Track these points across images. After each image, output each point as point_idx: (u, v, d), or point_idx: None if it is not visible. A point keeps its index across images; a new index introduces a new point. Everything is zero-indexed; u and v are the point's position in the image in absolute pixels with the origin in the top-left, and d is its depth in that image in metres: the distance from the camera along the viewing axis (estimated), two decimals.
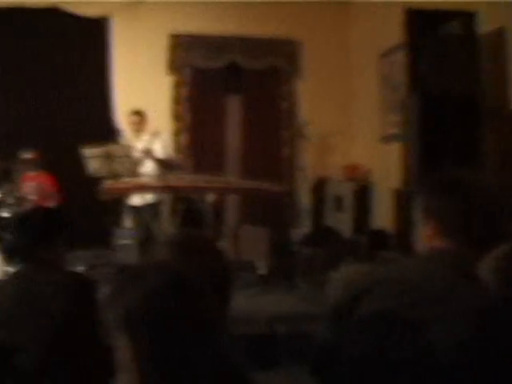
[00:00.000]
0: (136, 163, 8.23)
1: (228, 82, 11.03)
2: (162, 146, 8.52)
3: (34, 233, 3.70)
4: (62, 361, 3.41)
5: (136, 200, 8.53)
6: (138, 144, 8.57)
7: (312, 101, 11.01)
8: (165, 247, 2.60)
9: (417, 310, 2.08)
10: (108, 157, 7.97)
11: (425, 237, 2.35)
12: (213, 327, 1.72)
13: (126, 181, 8.13)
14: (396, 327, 2.09)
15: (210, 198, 9.76)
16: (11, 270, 8.12)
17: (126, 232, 9.35)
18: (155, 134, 8.32)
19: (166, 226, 8.13)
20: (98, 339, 3.81)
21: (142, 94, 10.11)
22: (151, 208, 8.28)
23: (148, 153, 8.23)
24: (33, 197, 9.26)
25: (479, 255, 2.22)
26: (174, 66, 10.81)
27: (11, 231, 3.83)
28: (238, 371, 1.82)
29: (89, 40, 10.91)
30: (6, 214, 8.95)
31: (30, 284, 3.56)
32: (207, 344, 1.68)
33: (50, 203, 9.31)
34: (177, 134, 10.65)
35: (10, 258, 3.93)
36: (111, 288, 1.78)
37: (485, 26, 7.26)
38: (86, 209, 10.14)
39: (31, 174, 9.60)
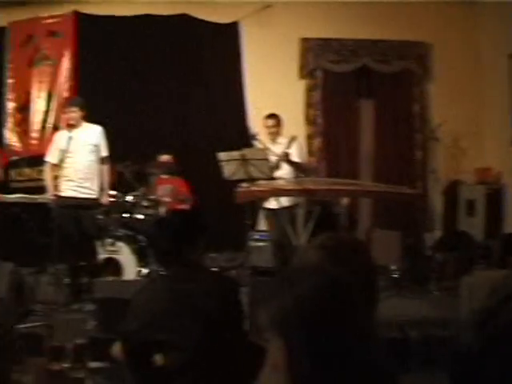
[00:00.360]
0: (272, 167, 8.28)
1: (360, 86, 10.99)
2: (297, 150, 8.54)
3: (181, 235, 3.83)
4: (209, 359, 3.54)
5: (272, 203, 8.59)
6: (274, 148, 8.59)
7: (443, 103, 10.85)
8: (314, 250, 2.64)
9: None
10: (244, 160, 8.06)
11: None
12: (366, 330, 1.76)
13: (262, 184, 8.20)
14: None
15: (344, 201, 9.78)
16: (143, 270, 8.41)
17: (261, 234, 9.45)
18: (292, 139, 8.35)
19: (301, 230, 8.15)
20: (243, 338, 3.95)
21: (274, 99, 10.20)
22: (287, 211, 8.31)
23: (286, 157, 8.27)
24: (167, 199, 9.48)
25: None
26: (306, 70, 10.86)
27: (153, 234, 3.98)
28: (388, 374, 1.85)
29: (221, 46, 11.12)
30: (140, 216, 9.22)
31: (180, 285, 3.70)
32: (361, 347, 1.72)
33: (184, 206, 9.53)
34: (310, 137, 10.68)
35: (158, 260, 4.09)
36: (266, 289, 1.85)
37: None
38: (221, 212, 10.33)
39: (166, 177, 9.85)
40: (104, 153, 8.42)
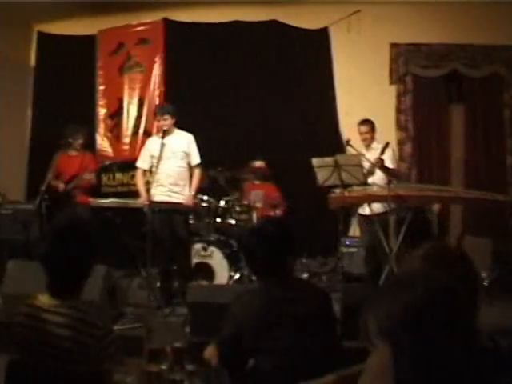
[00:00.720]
0: (366, 173, 8.24)
1: (449, 91, 10.85)
2: (391, 156, 8.47)
3: (277, 246, 3.84)
4: (304, 364, 3.56)
5: (365, 209, 8.56)
6: (368, 153, 8.54)
7: None
8: (419, 259, 2.63)
9: None
10: (337, 166, 8.04)
11: None
12: (469, 338, 1.75)
13: (355, 190, 8.17)
14: None
15: (435, 207, 9.68)
16: (235, 275, 8.45)
17: (352, 240, 9.41)
18: (386, 145, 8.29)
19: (393, 236, 8.09)
20: (337, 344, 3.98)
21: (365, 104, 10.20)
22: (379, 217, 8.25)
23: (380, 163, 8.21)
24: (259, 205, 9.52)
25: None
26: (396, 76, 10.78)
27: (248, 244, 4.00)
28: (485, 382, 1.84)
29: (311, 52, 11.14)
30: (233, 221, 9.28)
31: (277, 293, 3.75)
32: (464, 354, 1.71)
33: (276, 212, 9.56)
34: (400, 143, 10.58)
35: (252, 270, 4.13)
36: (375, 294, 1.85)
37: None
38: (312, 217, 10.33)
39: (258, 182, 9.89)
40: (194, 160, 8.48)
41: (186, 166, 8.44)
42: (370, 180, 8.38)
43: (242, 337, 3.64)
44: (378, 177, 8.36)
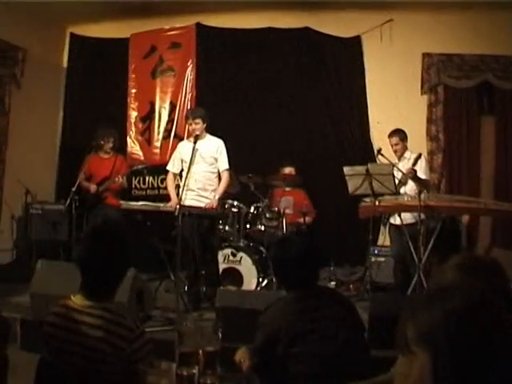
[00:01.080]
0: (398, 183, 8.21)
1: (481, 102, 10.80)
2: (423, 167, 8.42)
3: (307, 260, 3.94)
4: (334, 371, 3.59)
5: (396, 219, 8.51)
6: (401, 163, 8.54)
7: None
8: (452, 269, 2.64)
9: None
10: (368, 175, 8.04)
11: None
12: (508, 348, 1.76)
13: (385, 200, 8.15)
14: None
15: (464, 218, 9.64)
16: (262, 281, 8.45)
17: (381, 250, 9.38)
18: (418, 156, 8.25)
19: (422, 246, 8.05)
20: (366, 351, 4.01)
21: (396, 114, 10.24)
22: (409, 228, 8.21)
23: (412, 174, 8.16)
24: (289, 211, 9.53)
25: None
26: (428, 86, 10.74)
27: (278, 256, 4.05)
28: None
29: (343, 60, 11.16)
30: (262, 228, 9.29)
31: (306, 303, 3.83)
32: (502, 364, 1.72)
33: (305, 219, 9.55)
34: (431, 153, 10.53)
35: (281, 281, 4.17)
36: (411, 304, 1.87)
37: None
38: (341, 225, 10.33)
39: (288, 189, 9.90)
40: (223, 165, 8.48)
41: (214, 171, 8.46)
42: (401, 190, 8.36)
43: (275, 344, 3.67)
44: (410, 187, 8.33)
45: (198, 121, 8.37)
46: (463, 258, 2.74)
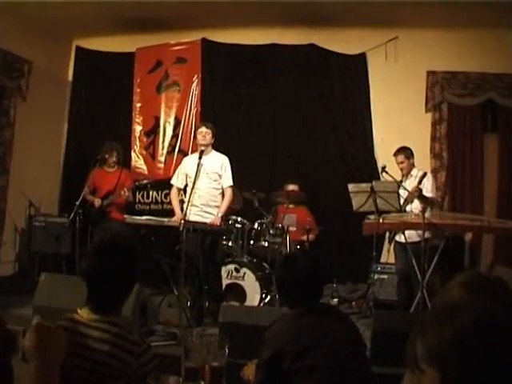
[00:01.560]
0: (403, 200, 8.21)
1: (484, 120, 10.82)
2: (429, 185, 8.41)
3: (310, 280, 4.00)
4: None
5: (400, 236, 8.49)
6: (408, 181, 8.54)
7: None
8: (458, 287, 2.64)
9: None
10: (372, 192, 8.05)
11: None
12: None
13: (389, 217, 8.14)
14: None
15: (467, 236, 9.64)
16: (265, 297, 8.45)
17: (383, 267, 9.36)
18: (424, 174, 8.24)
19: (426, 264, 8.03)
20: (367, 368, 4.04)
21: (400, 131, 10.23)
22: (414, 246, 8.18)
23: (418, 192, 8.15)
24: (292, 228, 9.53)
25: None
26: (432, 104, 10.77)
27: (283, 276, 4.09)
28: None
29: (348, 77, 11.19)
30: (266, 244, 9.30)
31: (309, 320, 3.86)
32: None
33: (309, 236, 9.55)
34: (435, 171, 10.49)
35: (284, 300, 4.21)
36: (419, 320, 1.88)
37: None
38: (344, 242, 10.33)
39: (291, 206, 9.89)
40: (226, 182, 8.48)
41: (218, 187, 8.46)
42: (407, 208, 8.36)
43: (281, 359, 3.69)
44: (416, 205, 8.32)
45: (209, 130, 8.38)
46: (468, 276, 2.74)
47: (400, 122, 10.56)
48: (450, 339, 1.75)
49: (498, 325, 1.80)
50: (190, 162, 8.60)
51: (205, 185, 8.34)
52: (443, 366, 1.73)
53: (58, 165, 12.16)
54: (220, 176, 8.43)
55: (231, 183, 8.47)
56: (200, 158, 8.27)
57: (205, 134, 8.41)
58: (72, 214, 8.98)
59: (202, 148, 8.36)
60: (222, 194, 8.50)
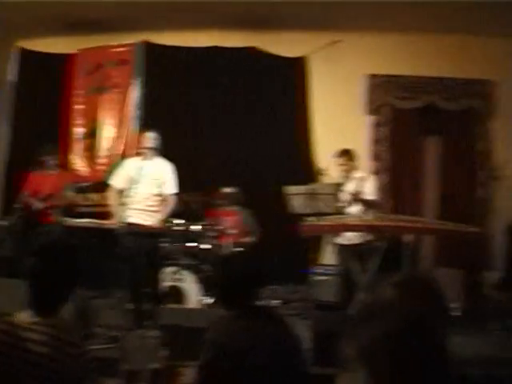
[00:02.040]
0: (344, 202, 8.27)
1: (426, 123, 10.93)
2: (370, 187, 8.47)
3: (249, 280, 4.04)
4: None
5: (341, 239, 8.57)
6: (350, 183, 8.58)
7: (508, 141, 10.76)
8: (390, 287, 2.69)
9: None
10: (312, 195, 8.08)
11: None
12: (446, 364, 1.80)
13: (330, 219, 8.13)
14: None
15: (408, 238, 9.74)
16: (205, 299, 8.46)
17: (325, 269, 9.41)
18: (365, 177, 8.29)
19: (366, 266, 8.09)
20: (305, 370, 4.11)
21: (341, 134, 10.23)
22: (354, 247, 8.25)
23: (357, 196, 8.20)
24: (231, 231, 9.54)
25: None
26: (373, 106, 10.88)
27: (221, 276, 4.12)
28: None
29: (289, 80, 11.20)
30: (206, 246, 9.29)
31: (247, 322, 3.89)
32: (441, 380, 1.76)
33: (248, 239, 9.57)
34: (375, 173, 10.46)
35: (222, 300, 4.22)
36: (351, 321, 1.91)
37: None
38: (284, 244, 10.33)
39: (229, 209, 9.89)
40: (169, 189, 8.44)
41: (159, 192, 8.39)
42: (349, 210, 8.41)
43: (221, 360, 3.71)
44: (358, 207, 8.38)
45: (154, 135, 8.35)
46: (401, 276, 2.79)
47: (341, 125, 10.57)
48: (379, 340, 1.77)
49: (427, 327, 1.84)
50: (131, 164, 8.51)
51: (146, 189, 8.27)
52: (374, 364, 1.76)
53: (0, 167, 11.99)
54: (162, 182, 8.38)
55: (175, 191, 8.44)
56: (143, 162, 8.23)
57: (149, 139, 8.37)
58: (14, 218, 8.88)
59: (145, 152, 8.32)
60: (164, 199, 8.46)
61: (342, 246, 8.61)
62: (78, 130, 11.56)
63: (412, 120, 10.95)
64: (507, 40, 10.57)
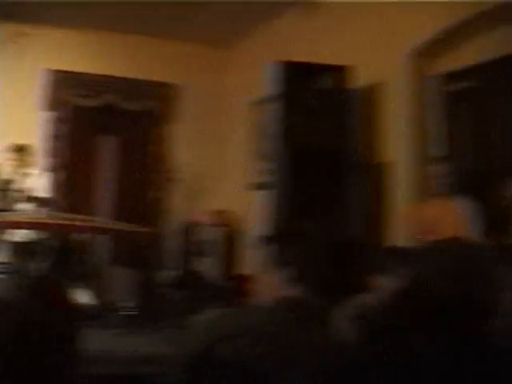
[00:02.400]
0: (15, 199, 8.10)
1: (103, 122, 10.98)
2: (44, 185, 8.36)
3: None
4: None
5: (14, 236, 8.36)
6: (23, 179, 8.45)
7: (186, 144, 11.15)
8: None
9: (269, 360, 2.18)
10: None
11: (274, 284, 2.44)
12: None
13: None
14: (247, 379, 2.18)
15: (83, 237, 9.71)
16: None
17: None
18: (37, 173, 8.19)
19: (41, 263, 7.97)
20: None
21: (18, 129, 9.93)
22: (28, 245, 8.09)
23: (29, 191, 8.07)
24: None
25: (330, 304, 2.32)
26: (54, 103, 10.69)
27: None
28: None
29: None
30: None
31: None
32: None
33: None
34: (53, 170, 10.37)
35: None
36: None
37: (361, 80, 7.51)
38: None
39: None
40: None
41: None
42: (21, 206, 8.22)
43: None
44: (30, 204, 8.23)
45: None
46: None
47: (18, 120, 10.22)
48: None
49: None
50: None
51: None
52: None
53: None
54: None
55: None
56: None
57: None
58: None
59: None
60: None
61: (14, 243, 8.41)
62: None
63: (91, 118, 10.93)
64: (188, 43, 10.89)
